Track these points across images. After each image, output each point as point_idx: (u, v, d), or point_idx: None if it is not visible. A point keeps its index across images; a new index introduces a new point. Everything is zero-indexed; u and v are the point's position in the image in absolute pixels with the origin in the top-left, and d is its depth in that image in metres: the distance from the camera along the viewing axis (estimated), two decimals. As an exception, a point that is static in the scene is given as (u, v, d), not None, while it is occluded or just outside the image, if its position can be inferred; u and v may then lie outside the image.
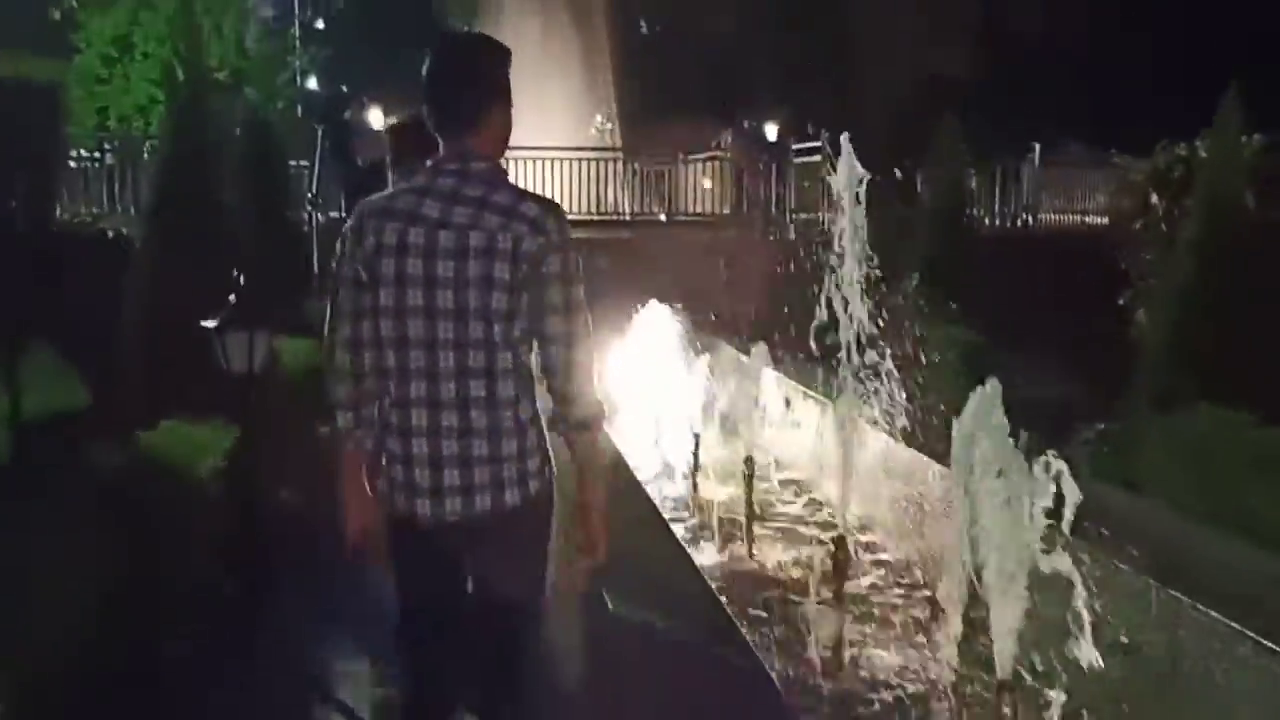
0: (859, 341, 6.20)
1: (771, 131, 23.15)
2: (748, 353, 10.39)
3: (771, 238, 17.00)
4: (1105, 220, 18.52)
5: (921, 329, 7.60)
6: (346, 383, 3.03)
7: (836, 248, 5.99)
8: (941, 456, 6.66)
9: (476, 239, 2.86)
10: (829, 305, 6.53)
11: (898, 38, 19.17)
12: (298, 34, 30.12)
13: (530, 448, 2.98)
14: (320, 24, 37.11)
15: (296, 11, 32.38)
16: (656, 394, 9.50)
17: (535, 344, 2.96)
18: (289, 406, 7.02)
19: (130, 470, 5.52)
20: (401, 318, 2.90)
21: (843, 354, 6.01)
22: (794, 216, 17.82)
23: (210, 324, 5.31)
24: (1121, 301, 8.93)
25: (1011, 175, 17.52)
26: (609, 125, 24.12)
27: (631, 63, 25.81)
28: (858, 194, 5.69)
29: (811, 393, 8.58)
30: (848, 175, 5.70)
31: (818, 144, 16.66)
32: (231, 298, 5.40)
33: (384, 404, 3.00)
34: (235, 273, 5.46)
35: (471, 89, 2.99)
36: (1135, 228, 8.89)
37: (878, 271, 5.86)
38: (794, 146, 17.93)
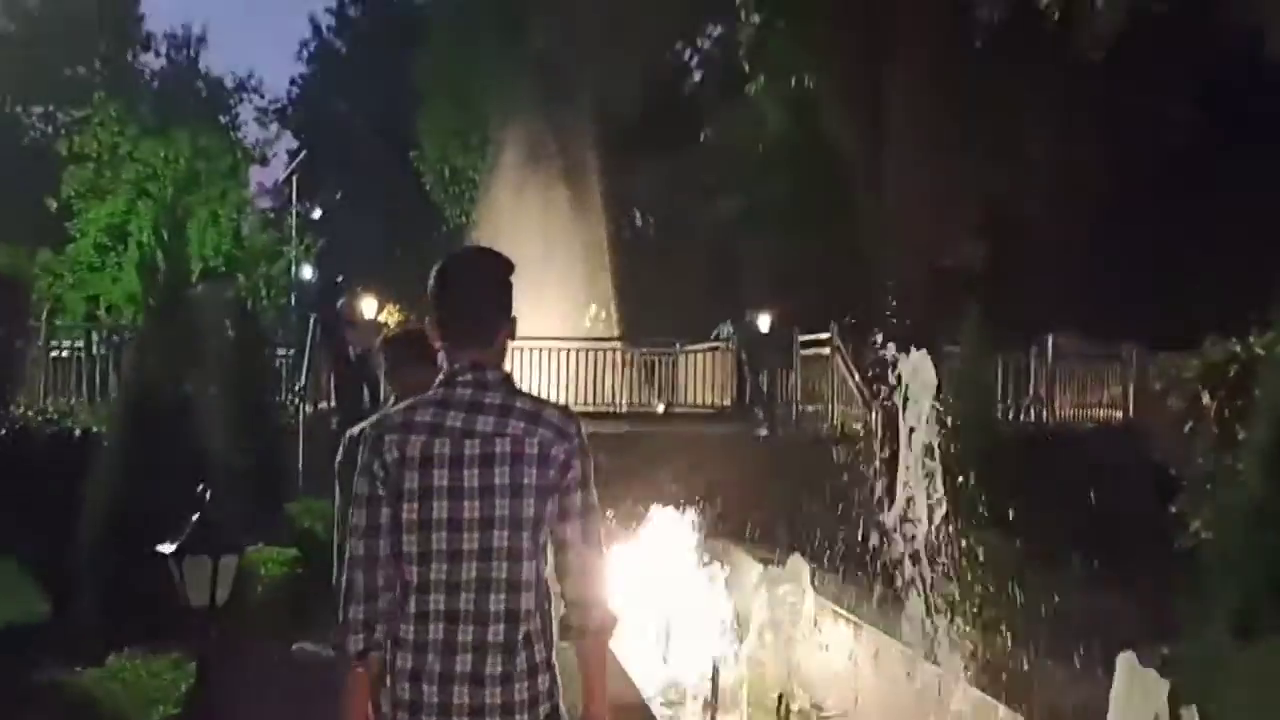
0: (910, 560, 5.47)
1: (765, 322, 22.80)
2: (763, 563, 9.65)
3: (779, 432, 16.38)
4: (1120, 414, 18.14)
5: (960, 539, 6.87)
6: (361, 603, 2.89)
7: (877, 455, 5.34)
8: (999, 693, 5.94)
9: (503, 445, 2.85)
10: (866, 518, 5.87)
11: (898, 228, 19.02)
12: (294, 224, 30.31)
13: (541, 663, 2.89)
14: (317, 214, 37.52)
15: (294, 202, 32.69)
16: (666, 608, 8.67)
17: (552, 548, 2.93)
18: (260, 636, 6.27)
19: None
20: (426, 531, 2.83)
21: (900, 579, 5.26)
22: (801, 409, 17.26)
23: (167, 549, 4.57)
24: (1174, 509, 8.25)
25: (1023, 367, 17.06)
26: (604, 315, 23.86)
27: (629, 252, 25.71)
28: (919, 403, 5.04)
29: (844, 613, 7.75)
30: (919, 386, 5.09)
31: (825, 335, 16.24)
32: (195, 516, 4.67)
33: (398, 621, 2.87)
34: (200, 487, 4.75)
35: (490, 310, 3.01)
36: (1185, 429, 8.28)
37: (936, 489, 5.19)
38: (800, 337, 17.48)
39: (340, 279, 31.37)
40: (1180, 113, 21.49)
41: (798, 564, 6.68)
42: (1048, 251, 20.15)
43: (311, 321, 15.67)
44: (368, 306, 17.34)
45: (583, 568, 2.93)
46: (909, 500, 5.25)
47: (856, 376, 15.07)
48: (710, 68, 33.01)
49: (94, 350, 15.18)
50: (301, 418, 13.43)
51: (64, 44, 29.68)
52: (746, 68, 20.50)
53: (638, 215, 32.30)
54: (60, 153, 23.78)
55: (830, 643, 7.72)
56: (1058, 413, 17.15)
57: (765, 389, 18.16)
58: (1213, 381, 7.94)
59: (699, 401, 18.98)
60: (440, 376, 2.98)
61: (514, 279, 3.06)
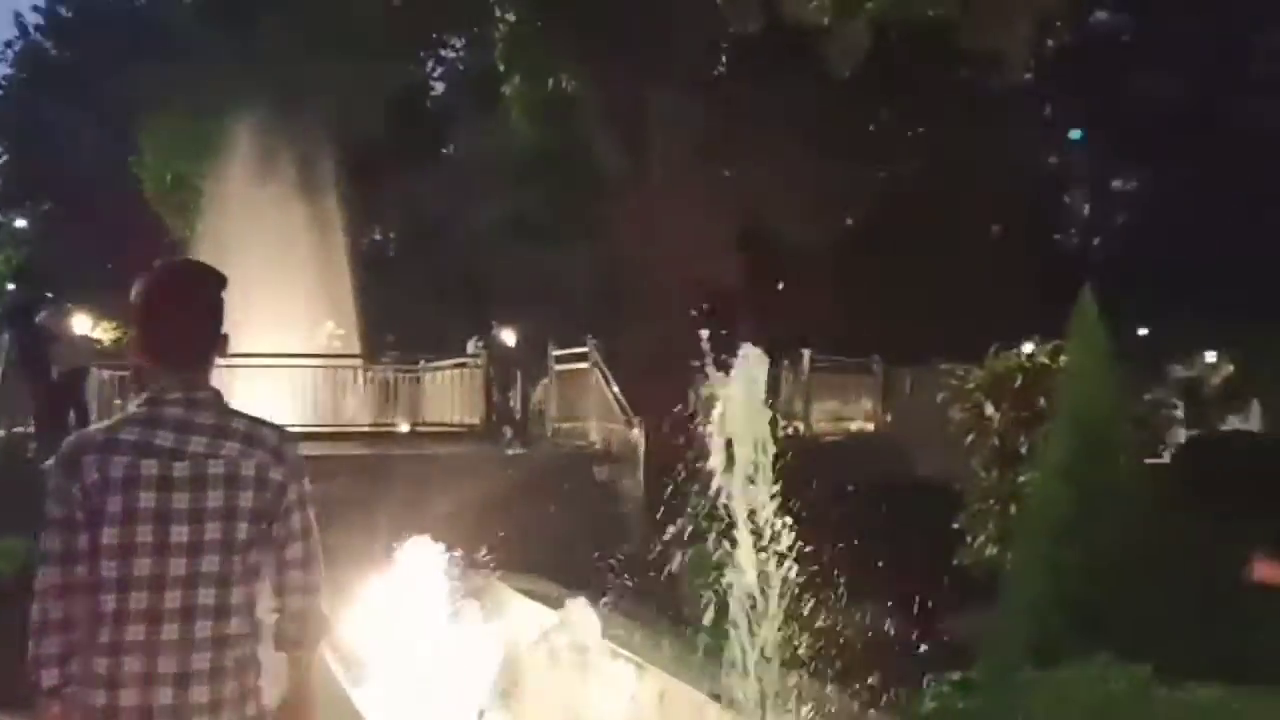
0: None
1: (515, 337, 22.20)
2: (525, 594, 8.88)
3: (532, 450, 15.68)
4: (872, 427, 18.36)
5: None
6: (53, 637, 2.76)
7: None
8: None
9: (216, 467, 2.80)
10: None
11: (657, 240, 18.66)
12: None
13: (250, 690, 2.83)
14: (22, 223, 34.45)
15: (-8, 209, 29.88)
16: (422, 650, 7.78)
17: (275, 569, 2.88)
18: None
19: None
20: (127, 556, 2.72)
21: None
22: (557, 426, 16.62)
23: None
24: (956, 525, 7.95)
25: (782, 381, 16.97)
26: (341, 331, 22.73)
27: (372, 267, 24.62)
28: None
29: (625, 652, 7.02)
30: (748, 393, 4.48)
31: (583, 349, 15.67)
32: None
33: (91, 654, 2.71)
34: None
35: (200, 328, 2.93)
36: (967, 441, 7.98)
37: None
38: (555, 352, 16.85)
39: (50, 294, 28.74)
40: (919, 134, 22.19)
41: (575, 600, 5.94)
42: (800, 265, 20.30)
43: (5, 339, 14.26)
44: (78, 322, 15.64)
45: (304, 585, 2.90)
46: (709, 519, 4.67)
47: (616, 390, 14.54)
48: (456, 77, 32.15)
49: None
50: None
51: None
52: (501, 68, 19.71)
53: (378, 229, 31.07)
54: None
55: (611, 684, 7.01)
56: (813, 426, 17.17)
57: (517, 406, 17.43)
58: (997, 393, 7.70)
59: (446, 420, 18.15)
60: (145, 395, 2.87)
61: (228, 294, 2.94)
